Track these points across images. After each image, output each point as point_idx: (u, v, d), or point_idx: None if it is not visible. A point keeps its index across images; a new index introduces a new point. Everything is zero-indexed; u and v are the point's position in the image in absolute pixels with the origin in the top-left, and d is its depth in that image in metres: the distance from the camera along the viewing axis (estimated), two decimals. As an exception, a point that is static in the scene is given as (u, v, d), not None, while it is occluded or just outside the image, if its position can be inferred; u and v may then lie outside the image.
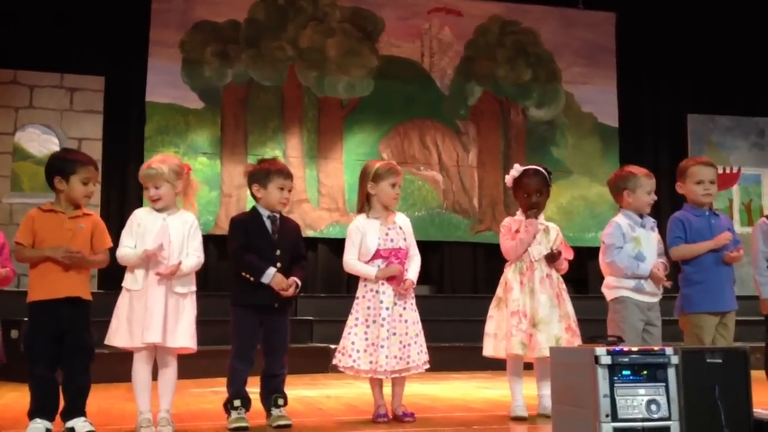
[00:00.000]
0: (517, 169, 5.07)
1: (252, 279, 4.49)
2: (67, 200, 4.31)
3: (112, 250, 4.40)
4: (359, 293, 4.78)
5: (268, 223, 4.62)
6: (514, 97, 10.82)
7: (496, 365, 5.10)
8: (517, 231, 4.95)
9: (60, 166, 4.34)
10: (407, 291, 4.74)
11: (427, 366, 4.76)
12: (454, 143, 10.58)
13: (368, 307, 4.71)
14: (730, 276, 4.77)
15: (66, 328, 4.19)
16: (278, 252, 4.58)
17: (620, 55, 11.12)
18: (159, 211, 4.44)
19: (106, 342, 4.32)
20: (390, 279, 4.71)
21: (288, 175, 4.67)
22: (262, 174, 4.65)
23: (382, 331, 4.63)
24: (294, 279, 4.55)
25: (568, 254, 5.02)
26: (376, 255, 4.72)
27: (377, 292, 4.70)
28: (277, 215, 4.66)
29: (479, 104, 10.71)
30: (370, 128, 10.31)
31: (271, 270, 4.48)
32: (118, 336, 4.30)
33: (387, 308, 4.67)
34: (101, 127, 9.35)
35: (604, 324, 4.76)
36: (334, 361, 4.78)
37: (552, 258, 4.88)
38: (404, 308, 4.73)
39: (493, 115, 10.75)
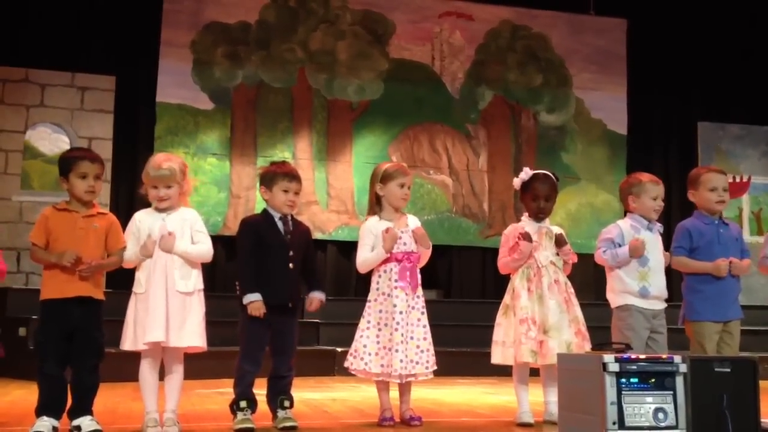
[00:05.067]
0: (526, 173, 5.04)
1: (237, 291, 4.52)
2: (74, 198, 4.31)
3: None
4: (371, 296, 4.78)
5: (280, 224, 4.62)
6: (525, 102, 10.81)
7: (503, 371, 5.09)
8: (515, 245, 4.93)
9: (60, 166, 4.34)
10: (422, 234, 4.77)
11: (435, 367, 4.77)
12: (464, 147, 10.57)
13: (380, 311, 4.71)
14: (734, 285, 4.76)
15: (77, 327, 4.19)
16: (291, 253, 4.59)
17: (631, 62, 11.09)
18: (159, 210, 4.43)
19: (120, 347, 4.34)
20: (402, 275, 4.70)
21: (293, 178, 4.64)
22: (269, 176, 4.66)
23: (396, 335, 4.63)
24: (319, 299, 4.71)
25: (572, 257, 5.01)
26: (390, 258, 4.72)
27: (389, 295, 4.70)
28: (289, 216, 4.67)
29: (490, 108, 10.70)
30: (379, 131, 10.31)
31: (255, 296, 4.44)
32: (126, 340, 4.31)
33: (401, 312, 4.66)
34: (111, 127, 9.37)
35: (608, 332, 4.75)
36: (346, 364, 4.78)
37: (561, 241, 4.87)
38: (422, 312, 4.74)
39: (504, 120, 10.75)
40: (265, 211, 4.71)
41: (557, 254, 4.91)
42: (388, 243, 4.68)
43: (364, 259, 4.78)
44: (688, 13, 11.01)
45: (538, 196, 4.96)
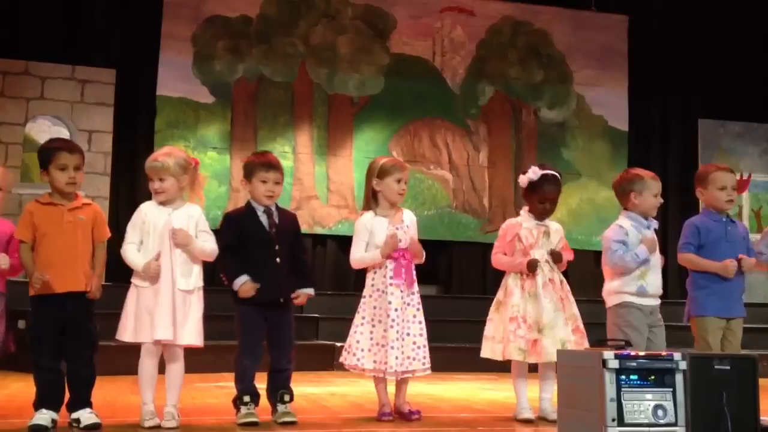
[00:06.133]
0: (535, 172, 4.92)
1: (225, 282, 4.51)
2: (55, 191, 4.27)
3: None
4: (366, 293, 4.77)
5: (263, 218, 4.58)
6: (525, 98, 10.79)
7: (501, 367, 5.09)
8: (511, 241, 4.91)
9: (40, 159, 4.31)
10: (418, 250, 4.77)
11: (429, 364, 4.75)
12: (464, 143, 10.56)
13: (374, 307, 4.71)
14: (740, 283, 4.76)
15: (69, 320, 4.18)
16: (277, 247, 4.55)
17: (632, 59, 11.08)
18: (164, 204, 4.41)
19: (117, 337, 4.33)
20: (397, 272, 4.69)
21: (270, 167, 4.57)
22: (248, 168, 4.63)
23: (391, 332, 4.61)
24: (305, 292, 4.63)
25: (568, 255, 4.99)
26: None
27: (384, 292, 4.68)
28: (273, 208, 4.62)
29: (490, 104, 10.68)
30: (380, 126, 10.30)
31: (242, 279, 4.45)
32: (126, 332, 4.31)
33: (396, 309, 4.65)
34: (112, 120, 9.35)
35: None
36: (340, 359, 4.80)
37: (556, 257, 4.85)
38: (418, 309, 4.73)
39: (505, 115, 10.73)
40: (248, 204, 4.66)
41: (552, 259, 4.89)
42: (386, 249, 4.66)
43: (360, 257, 4.76)
44: (689, 10, 10.99)
45: (546, 198, 4.92)
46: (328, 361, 7.92)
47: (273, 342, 4.58)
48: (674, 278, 8.58)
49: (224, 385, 5.61)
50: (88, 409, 4.19)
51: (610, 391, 3.52)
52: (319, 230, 9.79)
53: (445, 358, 5.18)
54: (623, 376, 3.54)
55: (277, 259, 4.53)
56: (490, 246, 10.19)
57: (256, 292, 4.46)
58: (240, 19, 9.96)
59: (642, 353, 3.64)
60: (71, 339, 4.20)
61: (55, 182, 4.24)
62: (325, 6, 10.27)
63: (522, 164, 10.37)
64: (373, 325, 4.69)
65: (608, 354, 3.56)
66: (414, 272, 4.79)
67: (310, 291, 4.67)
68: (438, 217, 10.30)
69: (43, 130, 9.14)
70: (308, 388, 6.21)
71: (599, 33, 11.04)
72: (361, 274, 4.91)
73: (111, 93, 9.39)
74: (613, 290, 4.70)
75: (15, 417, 4.43)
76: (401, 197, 4.83)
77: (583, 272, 10.19)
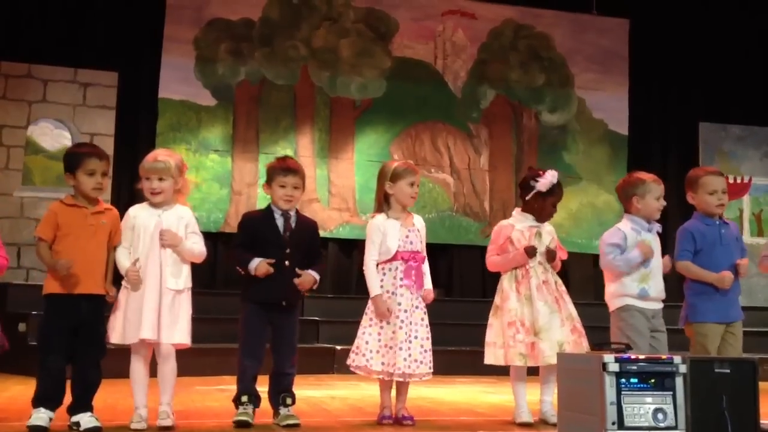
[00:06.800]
0: (553, 175, 4.92)
1: (243, 272, 4.54)
2: (81, 195, 4.31)
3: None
4: (374, 293, 4.78)
5: (280, 221, 4.61)
6: (526, 101, 10.80)
7: (502, 370, 5.09)
8: (504, 244, 4.91)
9: (67, 162, 4.35)
10: (431, 301, 4.81)
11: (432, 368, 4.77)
12: (465, 146, 10.57)
13: (383, 308, 4.72)
14: (736, 287, 4.75)
15: (83, 322, 4.20)
16: (288, 250, 4.57)
17: (633, 62, 11.09)
18: (156, 206, 4.42)
19: (110, 340, 4.34)
20: (407, 274, 4.70)
21: (289, 172, 4.62)
22: (269, 173, 4.70)
23: (400, 334, 4.63)
24: (310, 273, 4.60)
25: (562, 254, 5.00)
26: (396, 257, 4.71)
27: (394, 293, 4.69)
28: (291, 213, 4.66)
29: (492, 107, 10.69)
30: (381, 129, 10.31)
31: (256, 260, 4.48)
32: (114, 332, 4.31)
33: (405, 311, 4.67)
34: (113, 123, 9.36)
35: (609, 331, 4.73)
36: (348, 361, 4.78)
37: (551, 255, 4.85)
38: (425, 312, 4.76)
39: (506, 119, 10.74)
40: (268, 206, 4.72)
41: (546, 258, 4.89)
42: (377, 311, 4.67)
43: (370, 272, 4.74)
44: (690, 14, 11.00)
45: (558, 201, 4.96)
46: (328, 364, 7.92)
47: (275, 345, 4.60)
48: (675, 282, 8.59)
49: (225, 388, 5.62)
50: (88, 413, 4.19)
51: (611, 394, 3.53)
52: (320, 233, 9.78)
53: (446, 362, 5.18)
54: (623, 380, 3.55)
55: (286, 263, 4.55)
56: (491, 249, 10.20)
57: (265, 278, 4.47)
58: (242, 22, 9.97)
59: (642, 356, 3.65)
60: (83, 341, 4.22)
61: (82, 186, 4.28)
62: (327, 9, 10.28)
63: (523, 168, 10.37)
64: (382, 327, 4.69)
65: (608, 357, 3.57)
66: (422, 275, 4.80)
67: (316, 275, 4.65)
68: (439, 220, 10.30)
69: (45, 133, 9.16)
70: (309, 392, 6.20)
71: (600, 36, 11.05)
72: (363, 277, 4.90)
73: (113, 96, 9.41)
74: (615, 293, 4.70)
75: (15, 420, 4.43)
76: (413, 200, 4.85)
77: (583, 276, 10.21)
